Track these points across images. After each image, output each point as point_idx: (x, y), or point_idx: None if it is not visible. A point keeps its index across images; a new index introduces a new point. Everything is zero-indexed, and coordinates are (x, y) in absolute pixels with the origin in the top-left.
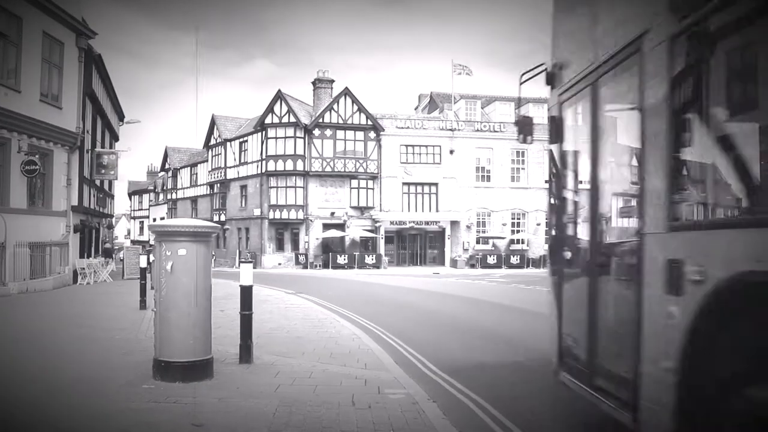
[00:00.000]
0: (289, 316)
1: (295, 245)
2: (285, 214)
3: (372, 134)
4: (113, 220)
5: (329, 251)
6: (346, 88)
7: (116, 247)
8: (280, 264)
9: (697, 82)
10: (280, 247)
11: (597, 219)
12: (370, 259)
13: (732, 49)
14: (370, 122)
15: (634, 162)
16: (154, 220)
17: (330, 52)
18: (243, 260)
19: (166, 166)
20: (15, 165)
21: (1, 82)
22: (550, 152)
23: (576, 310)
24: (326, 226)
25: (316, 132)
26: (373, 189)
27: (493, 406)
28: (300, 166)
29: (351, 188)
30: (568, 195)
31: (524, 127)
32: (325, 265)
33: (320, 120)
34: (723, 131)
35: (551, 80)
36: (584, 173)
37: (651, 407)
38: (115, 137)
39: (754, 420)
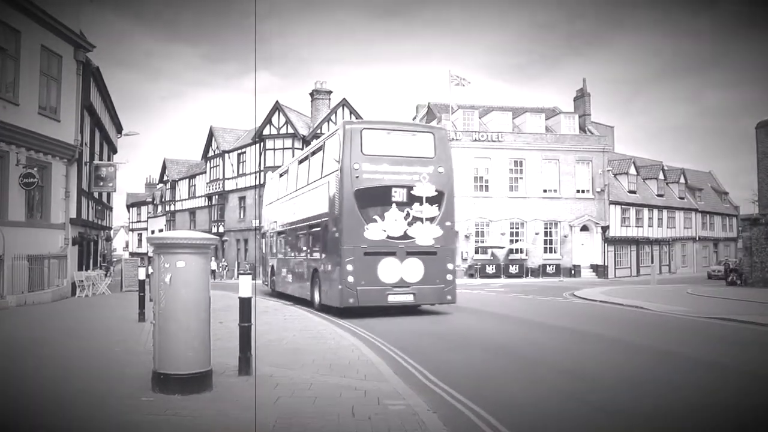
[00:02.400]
0: (288, 327)
1: None
2: None
3: None
4: (112, 232)
5: None
6: (344, 99)
7: (114, 260)
8: None
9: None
10: None
11: (267, 254)
12: None
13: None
14: None
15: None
16: (153, 232)
17: (328, 64)
18: (242, 272)
19: (165, 178)
20: (13, 178)
21: None
22: (263, 238)
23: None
24: None
25: None
26: None
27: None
28: None
29: None
30: (264, 249)
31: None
32: None
33: (318, 131)
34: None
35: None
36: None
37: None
38: (113, 149)
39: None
